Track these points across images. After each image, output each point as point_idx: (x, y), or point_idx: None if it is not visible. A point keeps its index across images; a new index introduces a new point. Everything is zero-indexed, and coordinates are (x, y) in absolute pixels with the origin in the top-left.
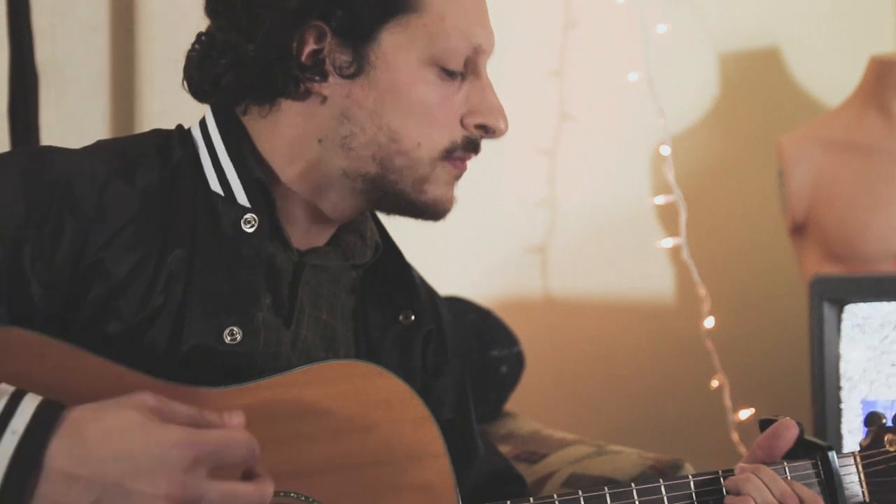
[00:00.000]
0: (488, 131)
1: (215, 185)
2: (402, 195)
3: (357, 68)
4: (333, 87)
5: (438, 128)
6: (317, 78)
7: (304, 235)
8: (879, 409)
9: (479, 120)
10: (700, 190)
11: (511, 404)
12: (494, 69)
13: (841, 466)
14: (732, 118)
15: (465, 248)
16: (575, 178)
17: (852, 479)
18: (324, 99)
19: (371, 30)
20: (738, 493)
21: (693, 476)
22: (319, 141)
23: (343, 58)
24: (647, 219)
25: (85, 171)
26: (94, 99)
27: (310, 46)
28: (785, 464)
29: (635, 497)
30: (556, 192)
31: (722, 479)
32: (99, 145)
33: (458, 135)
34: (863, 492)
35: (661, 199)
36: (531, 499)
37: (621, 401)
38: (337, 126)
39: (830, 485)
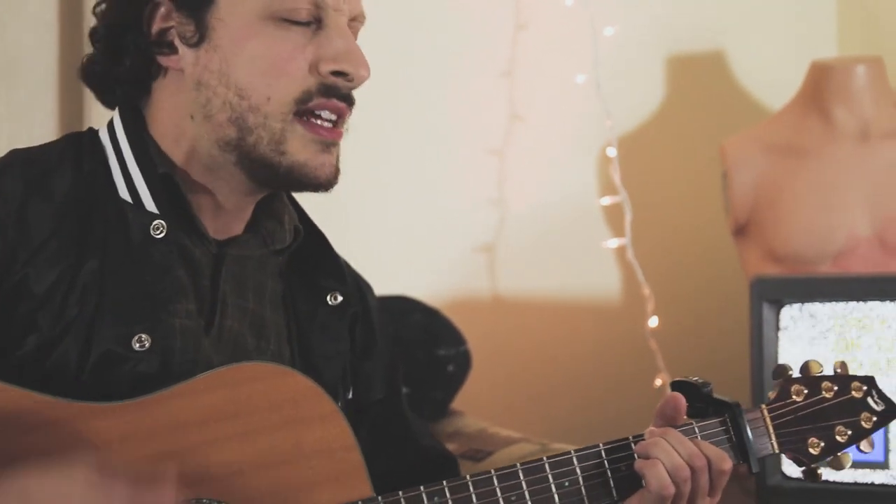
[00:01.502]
0: (347, 78)
1: (124, 193)
2: (264, 160)
3: (200, 35)
4: (185, 58)
5: (286, 78)
6: (165, 51)
7: (219, 224)
8: None
9: (331, 66)
10: (645, 191)
11: (458, 403)
12: (446, 70)
13: (749, 421)
14: (678, 120)
15: (413, 247)
16: (523, 178)
17: (761, 433)
18: (181, 72)
19: None
20: (647, 458)
21: (604, 444)
22: (192, 117)
23: (188, 27)
24: (593, 219)
25: (2, 192)
26: (44, 94)
27: (158, 25)
28: (694, 424)
29: (548, 470)
30: (504, 191)
31: (633, 445)
32: (12, 158)
33: (310, 83)
34: (772, 444)
35: (606, 200)
36: (444, 482)
37: (567, 399)
38: (196, 96)
39: (739, 441)
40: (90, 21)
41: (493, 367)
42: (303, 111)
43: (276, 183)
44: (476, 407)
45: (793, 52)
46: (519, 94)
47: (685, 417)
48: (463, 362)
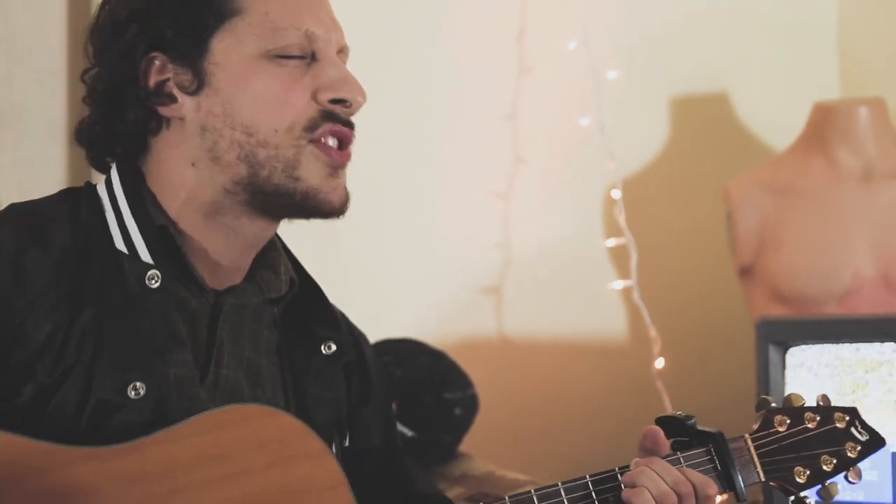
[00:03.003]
0: (345, 104)
1: (119, 244)
2: (279, 190)
3: (199, 82)
4: (185, 106)
5: (290, 109)
6: (165, 101)
7: (218, 275)
8: None
9: (329, 94)
10: (650, 233)
11: (465, 445)
12: (450, 114)
13: (733, 450)
14: (682, 162)
15: (419, 290)
16: (528, 220)
17: (746, 462)
18: (182, 120)
19: (201, 43)
20: (634, 486)
21: (590, 476)
22: (193, 165)
23: (185, 77)
24: (599, 261)
25: (0, 244)
26: (51, 143)
27: (154, 78)
28: (679, 454)
29: (536, 503)
30: (509, 234)
31: (619, 476)
32: (10, 211)
33: (314, 111)
34: (757, 472)
35: (612, 242)
36: None
37: (574, 441)
38: (201, 142)
39: (724, 469)
40: None
41: (501, 408)
42: (312, 139)
43: (293, 210)
44: (484, 449)
45: (795, 94)
46: (523, 137)
47: (671, 450)
48: (470, 405)
